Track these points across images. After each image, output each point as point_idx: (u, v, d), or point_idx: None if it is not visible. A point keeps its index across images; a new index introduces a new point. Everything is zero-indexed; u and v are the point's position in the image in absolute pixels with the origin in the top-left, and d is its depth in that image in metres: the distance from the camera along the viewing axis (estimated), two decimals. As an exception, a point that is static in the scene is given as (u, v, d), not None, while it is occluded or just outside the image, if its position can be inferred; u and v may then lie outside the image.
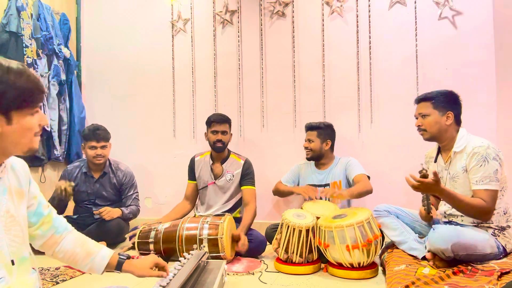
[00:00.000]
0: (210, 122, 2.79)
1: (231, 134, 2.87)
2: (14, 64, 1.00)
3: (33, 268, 1.13)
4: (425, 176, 1.79)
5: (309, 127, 2.78)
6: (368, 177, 2.59)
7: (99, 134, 2.85)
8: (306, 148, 2.76)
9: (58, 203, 2.62)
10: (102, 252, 1.28)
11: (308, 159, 2.79)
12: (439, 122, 2.02)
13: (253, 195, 2.74)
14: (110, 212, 2.72)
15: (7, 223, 1.04)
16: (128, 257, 1.31)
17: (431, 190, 1.83)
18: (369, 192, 2.47)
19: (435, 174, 1.76)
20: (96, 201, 2.92)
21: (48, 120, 1.08)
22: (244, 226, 2.53)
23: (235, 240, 2.44)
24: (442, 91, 2.07)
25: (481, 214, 1.85)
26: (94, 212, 2.74)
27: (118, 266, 1.28)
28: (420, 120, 2.09)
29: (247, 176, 2.79)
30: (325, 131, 2.74)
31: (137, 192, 3.05)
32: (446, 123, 2.01)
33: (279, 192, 2.86)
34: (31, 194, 1.17)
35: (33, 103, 1.03)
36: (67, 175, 2.91)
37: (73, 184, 2.69)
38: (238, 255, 2.49)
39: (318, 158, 2.76)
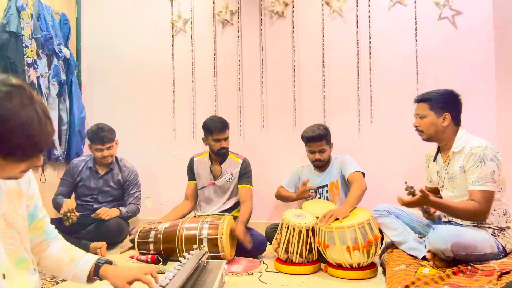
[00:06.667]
0: (211, 130, 2.70)
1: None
2: (24, 113, 0.86)
3: (35, 269, 1.11)
4: (412, 193, 1.86)
5: (318, 137, 2.56)
6: (363, 174, 2.51)
7: (104, 137, 2.82)
8: (317, 160, 2.62)
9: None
10: (86, 257, 1.23)
11: (319, 167, 2.70)
12: (435, 123, 2.01)
13: (250, 193, 2.75)
14: (108, 211, 2.72)
15: (1, 226, 1.02)
16: (108, 262, 1.23)
17: (422, 204, 1.91)
18: (365, 190, 2.38)
19: (422, 191, 1.79)
20: (98, 196, 2.91)
21: (41, 161, 0.98)
22: (242, 222, 2.53)
23: (235, 237, 2.44)
24: (441, 91, 2.04)
25: (475, 216, 1.86)
26: (92, 215, 2.73)
27: (96, 271, 1.20)
28: (418, 121, 2.08)
29: (245, 175, 2.79)
30: (329, 136, 2.65)
31: (139, 191, 3.05)
32: (443, 124, 2.00)
33: (281, 198, 2.82)
34: (30, 194, 1.14)
35: (24, 158, 0.92)
36: (72, 168, 2.94)
37: (77, 214, 2.62)
38: (239, 254, 2.49)
39: (326, 164, 2.70)
